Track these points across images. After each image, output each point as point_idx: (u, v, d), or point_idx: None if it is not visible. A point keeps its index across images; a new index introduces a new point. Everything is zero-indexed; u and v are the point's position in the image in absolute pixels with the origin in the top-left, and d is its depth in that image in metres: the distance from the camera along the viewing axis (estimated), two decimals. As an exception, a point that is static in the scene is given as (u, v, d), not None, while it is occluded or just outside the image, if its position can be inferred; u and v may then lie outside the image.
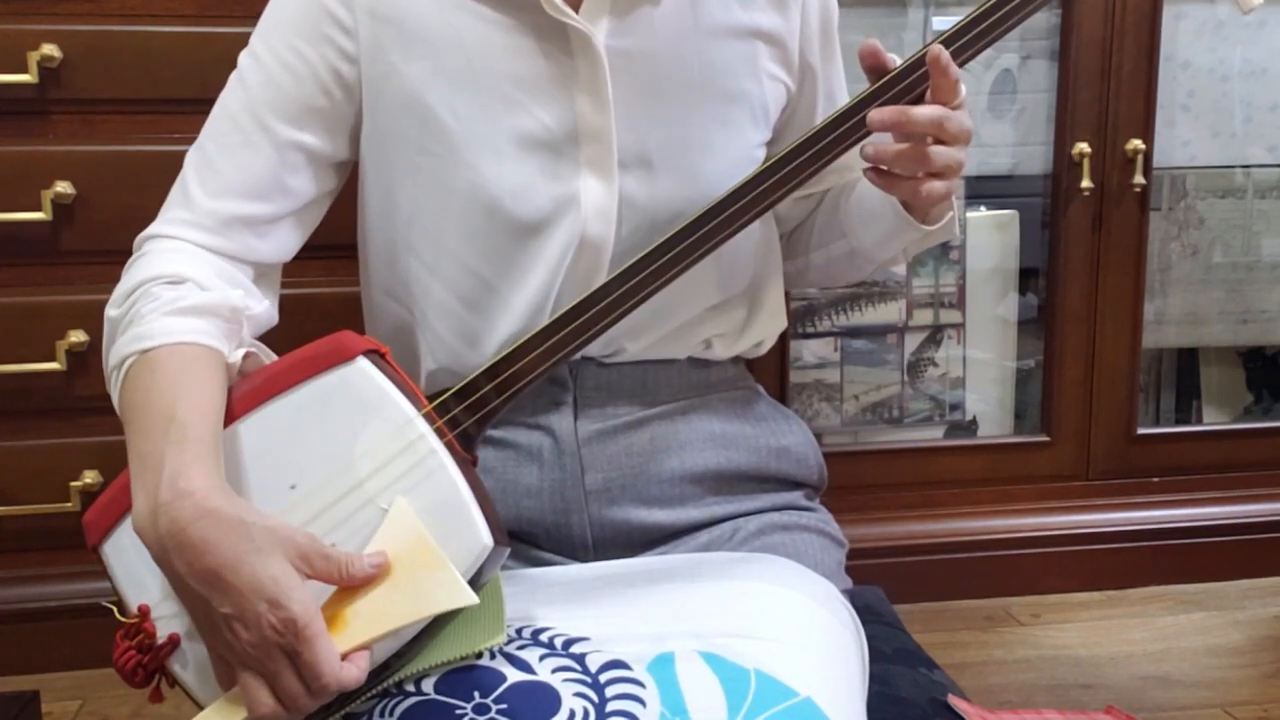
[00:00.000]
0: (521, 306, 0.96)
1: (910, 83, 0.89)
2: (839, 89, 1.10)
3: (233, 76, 0.96)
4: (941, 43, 0.89)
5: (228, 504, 0.74)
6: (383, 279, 1.03)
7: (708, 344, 1.04)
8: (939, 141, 0.89)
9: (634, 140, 0.95)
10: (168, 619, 0.80)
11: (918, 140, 0.89)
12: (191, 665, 0.80)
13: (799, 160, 0.90)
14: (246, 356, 0.87)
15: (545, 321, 0.89)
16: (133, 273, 0.90)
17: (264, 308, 0.93)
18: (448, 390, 0.87)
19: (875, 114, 0.88)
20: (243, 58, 0.96)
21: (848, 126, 0.90)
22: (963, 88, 0.90)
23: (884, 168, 0.91)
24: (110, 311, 0.89)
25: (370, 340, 0.85)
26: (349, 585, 0.76)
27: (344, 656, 0.75)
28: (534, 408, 1.00)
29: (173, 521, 0.73)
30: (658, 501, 1.00)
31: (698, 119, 0.98)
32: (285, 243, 0.98)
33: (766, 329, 1.09)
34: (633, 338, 1.00)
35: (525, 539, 1.00)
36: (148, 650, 0.80)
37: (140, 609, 0.81)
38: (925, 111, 0.88)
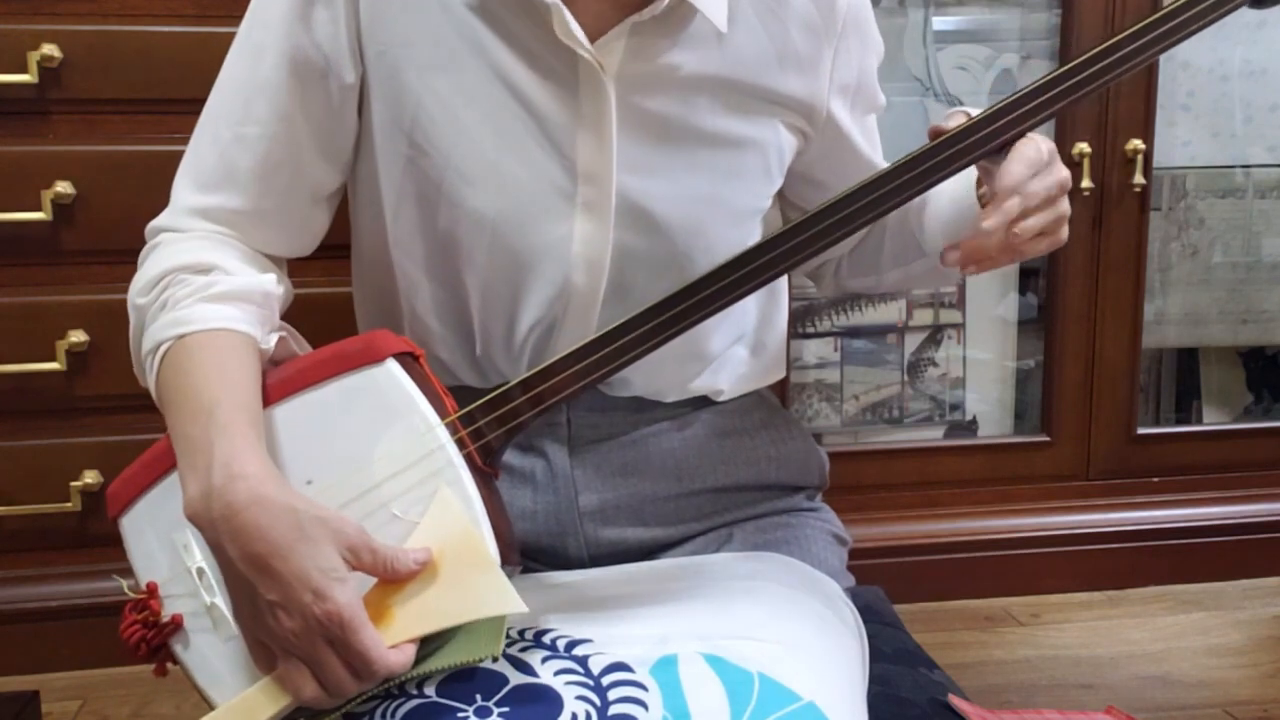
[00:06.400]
0: (500, 345, 0.93)
1: (955, 151, 0.83)
2: (869, 139, 1.03)
3: (238, 53, 0.91)
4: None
5: (280, 491, 0.74)
6: (370, 276, 0.99)
7: (711, 391, 1.00)
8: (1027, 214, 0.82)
9: (636, 187, 0.89)
10: (175, 598, 0.81)
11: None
12: (192, 647, 0.81)
13: (844, 213, 0.84)
14: (279, 342, 0.87)
15: (555, 358, 0.84)
16: (155, 261, 0.88)
17: (289, 288, 0.93)
18: (480, 398, 0.84)
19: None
20: (250, 31, 0.91)
21: (887, 189, 0.84)
22: (1032, 148, 0.83)
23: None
24: (137, 300, 0.87)
25: (404, 342, 0.84)
26: (393, 580, 0.76)
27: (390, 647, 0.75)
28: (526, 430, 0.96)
29: (227, 505, 0.73)
30: (655, 519, 0.98)
31: (705, 169, 0.92)
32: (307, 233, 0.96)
33: (768, 375, 1.05)
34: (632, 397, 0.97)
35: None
36: (152, 626, 0.81)
37: (149, 586, 0.81)
38: (1007, 186, 0.81)
